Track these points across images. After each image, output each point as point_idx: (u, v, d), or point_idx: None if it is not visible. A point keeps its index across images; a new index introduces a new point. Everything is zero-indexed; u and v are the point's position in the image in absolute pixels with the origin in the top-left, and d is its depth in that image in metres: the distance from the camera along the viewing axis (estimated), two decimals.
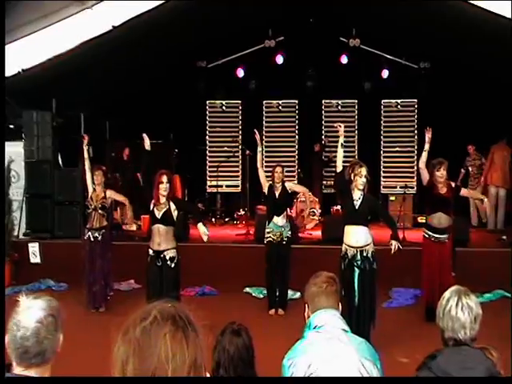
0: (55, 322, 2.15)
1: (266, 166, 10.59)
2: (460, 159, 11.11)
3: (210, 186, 12.79)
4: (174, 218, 6.23)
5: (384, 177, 12.44)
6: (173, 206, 6.21)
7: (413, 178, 11.93)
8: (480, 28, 8.53)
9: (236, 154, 12.46)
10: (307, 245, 9.20)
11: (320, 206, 11.06)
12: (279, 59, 11.87)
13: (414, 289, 7.87)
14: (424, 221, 7.69)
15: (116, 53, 9.60)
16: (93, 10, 8.21)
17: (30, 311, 2.12)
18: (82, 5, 8.05)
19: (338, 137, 6.35)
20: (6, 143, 8.76)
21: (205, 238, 6.28)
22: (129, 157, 11.34)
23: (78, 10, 8.08)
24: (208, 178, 12.90)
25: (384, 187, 12.35)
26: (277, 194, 7.40)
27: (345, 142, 6.53)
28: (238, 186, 12.71)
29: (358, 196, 5.97)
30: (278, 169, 7.47)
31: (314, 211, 10.69)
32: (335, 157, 6.50)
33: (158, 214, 6.19)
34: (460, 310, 2.43)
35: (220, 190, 12.63)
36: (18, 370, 2.10)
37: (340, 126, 6.42)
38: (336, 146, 6.46)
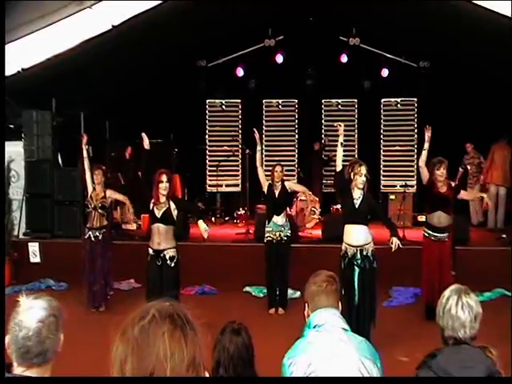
0: (56, 322, 2.15)
1: (266, 165, 10.58)
2: (460, 158, 11.12)
3: (210, 186, 12.79)
4: (174, 217, 6.23)
5: (384, 176, 12.43)
6: (173, 206, 6.21)
7: (413, 176, 11.92)
8: (480, 27, 8.53)
9: (236, 154, 12.45)
10: (307, 244, 9.20)
11: (320, 205, 11.06)
12: (279, 58, 11.87)
13: (414, 288, 7.88)
14: (424, 220, 7.70)
15: (116, 52, 9.59)
16: (92, 9, 8.21)
17: (31, 311, 2.11)
18: (81, 4, 8.04)
19: (338, 136, 6.36)
20: (6, 143, 8.75)
21: (205, 235, 6.28)
22: (131, 156, 11.34)
23: (77, 10, 8.07)
24: (208, 178, 12.90)
25: (384, 186, 12.35)
26: (276, 194, 7.40)
27: (344, 140, 6.54)
28: (237, 186, 12.70)
29: (357, 195, 5.97)
30: (278, 168, 7.46)
31: (314, 210, 10.70)
32: (335, 156, 6.50)
33: (158, 214, 6.19)
34: (460, 308, 2.43)
35: (220, 189, 12.63)
36: (18, 371, 2.10)
37: (340, 126, 6.43)
38: (336, 145, 6.46)
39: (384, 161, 12.48)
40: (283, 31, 11.67)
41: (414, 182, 11.67)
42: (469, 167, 11.07)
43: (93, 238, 7.45)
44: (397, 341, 6.01)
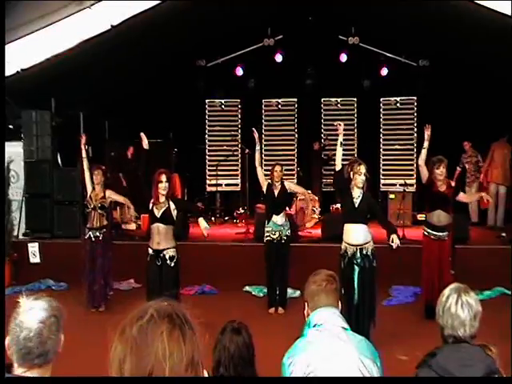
0: (57, 323, 2.15)
1: (266, 165, 10.59)
2: (460, 156, 11.12)
3: (210, 185, 12.79)
4: (174, 217, 6.23)
5: (383, 175, 12.43)
6: (172, 205, 6.21)
7: (412, 175, 11.92)
8: (479, 26, 8.53)
9: (235, 153, 12.45)
10: (307, 243, 9.20)
11: (319, 204, 11.06)
12: (278, 58, 11.86)
13: (413, 287, 7.88)
14: (423, 218, 7.70)
15: (115, 52, 9.59)
16: (91, 9, 8.20)
17: (32, 312, 2.11)
18: (80, 4, 8.04)
19: (338, 135, 6.36)
20: (6, 143, 8.76)
21: (205, 233, 6.27)
22: (133, 156, 11.34)
23: (76, 10, 8.06)
24: (207, 177, 12.90)
25: (383, 185, 12.34)
26: (276, 193, 7.39)
27: (344, 140, 6.54)
28: (237, 185, 12.70)
29: (357, 194, 5.97)
30: (277, 167, 7.46)
31: (313, 209, 10.70)
32: (334, 155, 6.50)
33: (158, 213, 6.19)
34: (460, 307, 2.43)
35: (219, 188, 12.63)
36: (19, 371, 2.10)
37: (340, 125, 6.43)
38: (335, 145, 6.46)
39: (383, 160, 12.48)
40: (282, 31, 11.67)
41: (414, 181, 11.67)
42: (467, 166, 11.07)
43: (93, 238, 7.45)
44: (397, 340, 6.01)
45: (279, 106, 12.93)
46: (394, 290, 8.09)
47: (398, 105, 12.45)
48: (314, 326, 2.59)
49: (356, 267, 5.89)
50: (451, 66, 10.90)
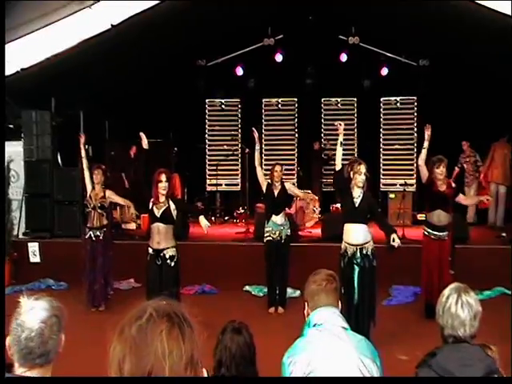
0: (58, 323, 2.15)
1: (266, 165, 10.60)
2: (459, 156, 11.12)
3: (210, 185, 12.79)
4: (174, 216, 6.23)
5: (383, 174, 12.43)
6: (172, 205, 6.21)
7: (412, 175, 11.93)
8: (479, 26, 8.53)
9: (235, 153, 12.45)
10: (307, 243, 9.20)
11: (319, 204, 11.07)
12: (278, 57, 11.86)
13: (413, 286, 7.87)
14: (423, 218, 7.70)
15: (115, 52, 9.58)
16: (92, 9, 8.20)
17: (33, 312, 2.11)
18: (80, 4, 8.03)
19: (338, 135, 6.36)
20: (6, 143, 8.76)
21: (205, 229, 6.27)
22: (135, 155, 11.33)
23: (76, 9, 8.06)
24: (207, 177, 12.90)
25: (383, 185, 12.35)
26: (276, 193, 7.38)
27: (344, 139, 6.54)
28: (237, 185, 12.70)
29: (357, 194, 5.97)
30: (278, 167, 7.45)
31: (313, 209, 10.71)
32: (334, 155, 6.50)
33: (158, 213, 6.19)
34: (460, 307, 2.43)
35: (219, 188, 12.63)
36: (20, 371, 2.10)
37: (340, 125, 6.43)
38: (335, 144, 6.46)
39: (384, 159, 12.48)
40: (283, 30, 11.66)
41: (414, 181, 11.67)
42: (465, 166, 11.06)
43: (93, 238, 7.44)
44: (396, 339, 6.02)
45: (279, 106, 12.93)
46: (394, 289, 8.09)
47: (398, 104, 12.45)
48: (314, 326, 2.59)
49: (356, 267, 5.89)
50: (451, 65, 10.90)
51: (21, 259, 8.99)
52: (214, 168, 12.30)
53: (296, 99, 12.82)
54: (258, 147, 7.53)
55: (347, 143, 10.55)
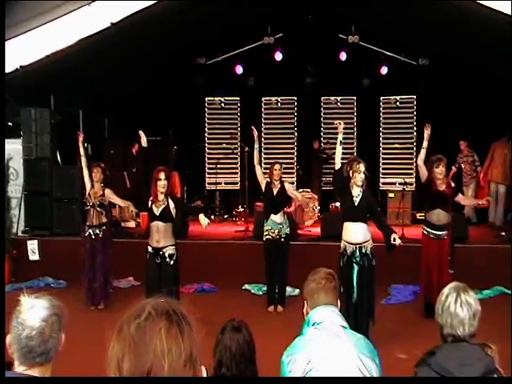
0: (59, 321, 2.15)
1: (265, 163, 10.59)
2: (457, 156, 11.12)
3: (209, 183, 12.79)
4: (173, 214, 6.22)
5: (383, 173, 12.44)
6: (171, 203, 6.20)
7: (412, 174, 11.93)
8: (479, 25, 8.52)
9: (235, 151, 12.45)
10: (306, 241, 9.20)
11: (319, 202, 11.06)
12: (278, 56, 11.85)
13: (413, 285, 7.87)
14: (423, 217, 7.70)
15: (114, 49, 9.57)
16: (91, 6, 8.19)
17: (33, 310, 2.11)
18: (80, 2, 8.02)
19: (337, 134, 6.36)
20: (5, 140, 8.74)
21: (204, 226, 6.27)
22: (138, 153, 11.29)
23: (76, 7, 8.05)
24: (207, 175, 12.90)
25: (383, 184, 12.35)
26: (275, 192, 7.36)
27: (344, 138, 6.54)
28: (236, 183, 12.70)
29: (357, 193, 5.97)
30: (277, 166, 7.44)
31: (313, 208, 10.71)
32: (334, 154, 6.50)
33: (157, 211, 6.19)
34: (459, 306, 2.43)
35: (219, 187, 12.63)
36: (20, 369, 2.09)
37: (340, 124, 6.42)
38: (335, 143, 6.46)
39: (383, 159, 12.49)
40: (282, 29, 11.65)
41: (413, 180, 11.68)
42: (463, 166, 11.05)
43: (93, 236, 7.44)
44: (396, 338, 6.02)
45: (279, 105, 12.93)
46: (393, 288, 8.09)
47: (398, 103, 12.46)
48: (313, 325, 2.59)
49: (355, 266, 5.89)
50: (451, 64, 10.89)
51: (20, 257, 8.99)
52: (214, 166, 12.30)
53: (296, 98, 12.82)
54: (257, 146, 7.52)
55: (347, 142, 10.56)
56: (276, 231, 7.30)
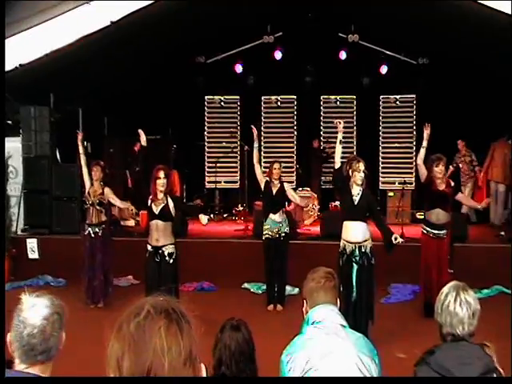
0: (60, 320, 2.15)
1: (265, 162, 10.59)
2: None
3: (209, 182, 12.79)
4: (172, 213, 6.22)
5: (383, 173, 12.44)
6: (171, 202, 6.20)
7: (411, 173, 11.93)
8: (479, 24, 8.52)
9: (234, 150, 12.45)
10: (306, 240, 9.20)
11: (318, 201, 11.06)
12: (278, 55, 11.84)
13: (412, 285, 7.88)
14: (422, 217, 7.69)
15: (114, 48, 9.56)
16: (91, 4, 8.17)
17: (35, 309, 2.11)
18: (79, 0, 8.01)
19: (337, 133, 6.36)
20: (4, 139, 8.73)
21: (203, 223, 6.26)
22: (139, 151, 11.26)
23: (76, 5, 8.04)
24: (206, 174, 12.90)
25: (382, 183, 12.36)
26: (274, 191, 7.35)
27: (343, 137, 6.54)
28: (236, 182, 12.70)
29: (356, 191, 5.97)
30: (276, 165, 7.43)
31: (312, 207, 10.70)
32: (334, 153, 6.50)
33: (156, 210, 6.18)
34: (458, 305, 2.43)
35: (218, 185, 12.63)
36: (21, 367, 2.10)
37: (339, 123, 6.42)
38: (334, 142, 6.46)
39: (383, 158, 12.50)
40: (282, 28, 11.64)
41: (413, 179, 11.68)
42: (461, 165, 11.04)
43: (92, 234, 7.43)
44: (395, 337, 6.02)
45: (278, 103, 12.93)
46: (392, 287, 8.09)
47: (398, 103, 12.46)
48: (313, 323, 2.58)
49: (354, 265, 5.89)
50: (451, 64, 10.90)
51: (19, 255, 8.99)
52: (213, 165, 12.30)
53: (295, 97, 12.82)
54: (256, 145, 7.51)
55: (346, 141, 10.55)
56: (275, 230, 7.29)
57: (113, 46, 9.36)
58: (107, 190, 7.50)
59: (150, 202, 6.23)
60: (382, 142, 12.52)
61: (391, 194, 11.45)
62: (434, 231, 6.86)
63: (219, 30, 10.88)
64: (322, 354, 2.45)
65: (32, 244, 9.07)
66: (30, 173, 9.42)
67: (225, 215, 12.04)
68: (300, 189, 11.03)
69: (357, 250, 5.90)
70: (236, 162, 12.75)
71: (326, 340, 2.50)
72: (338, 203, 8.84)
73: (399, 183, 11.59)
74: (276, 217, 7.31)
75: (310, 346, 2.49)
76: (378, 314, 6.06)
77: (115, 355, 1.13)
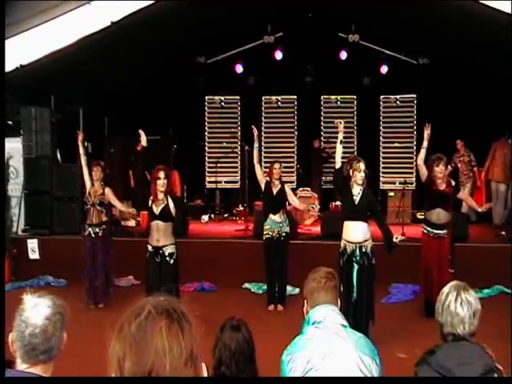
0: (62, 320, 2.15)
1: (265, 162, 10.59)
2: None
3: (209, 182, 12.79)
4: (173, 213, 6.22)
5: (383, 172, 12.44)
6: (171, 202, 6.20)
7: (412, 173, 11.93)
8: (479, 24, 8.52)
9: (235, 150, 12.44)
10: (306, 240, 9.20)
11: (319, 201, 11.05)
12: (278, 55, 11.85)
13: (412, 285, 7.87)
14: (423, 216, 7.69)
15: (115, 48, 9.57)
16: (91, 5, 8.18)
17: (37, 308, 2.12)
18: (79, 1, 8.01)
19: (337, 133, 6.36)
20: (5, 139, 8.74)
21: (203, 221, 6.26)
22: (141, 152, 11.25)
23: (76, 6, 8.04)
24: (207, 174, 12.90)
25: (383, 183, 12.36)
26: (274, 192, 7.34)
27: (344, 137, 6.54)
28: (236, 182, 12.70)
29: (357, 191, 5.97)
30: (277, 165, 7.43)
31: (313, 207, 10.68)
32: (334, 153, 6.49)
33: (157, 210, 6.18)
34: (459, 305, 2.43)
35: (219, 185, 12.63)
36: (22, 367, 2.10)
37: (340, 123, 6.42)
38: (335, 142, 6.46)
39: (383, 158, 12.49)
40: (282, 28, 11.65)
41: (414, 179, 11.68)
42: (459, 165, 11.03)
43: (93, 235, 7.43)
44: (396, 337, 6.02)
45: (279, 104, 12.92)
46: (393, 287, 8.09)
47: (398, 103, 12.45)
48: (313, 323, 2.58)
49: (355, 265, 5.89)
50: (451, 63, 10.89)
51: (20, 256, 8.99)
52: (214, 165, 12.30)
53: (296, 97, 12.82)
54: (256, 145, 7.51)
55: (347, 141, 10.54)
56: (276, 230, 7.29)
57: (113, 46, 9.37)
58: (108, 191, 7.51)
59: (150, 202, 6.23)
60: (383, 142, 12.52)
61: (392, 193, 11.45)
62: (434, 231, 6.86)
63: (219, 30, 10.89)
64: (322, 354, 2.45)
65: (33, 244, 9.08)
66: (31, 173, 9.42)
67: (225, 215, 12.04)
68: (300, 189, 11.04)
69: (357, 249, 5.90)
70: (236, 162, 12.75)
71: (326, 340, 2.50)
72: (338, 203, 8.84)
73: (400, 183, 11.59)
74: (276, 217, 7.30)
75: (310, 346, 2.49)
76: (379, 313, 6.06)
77: (117, 356, 1.13)
